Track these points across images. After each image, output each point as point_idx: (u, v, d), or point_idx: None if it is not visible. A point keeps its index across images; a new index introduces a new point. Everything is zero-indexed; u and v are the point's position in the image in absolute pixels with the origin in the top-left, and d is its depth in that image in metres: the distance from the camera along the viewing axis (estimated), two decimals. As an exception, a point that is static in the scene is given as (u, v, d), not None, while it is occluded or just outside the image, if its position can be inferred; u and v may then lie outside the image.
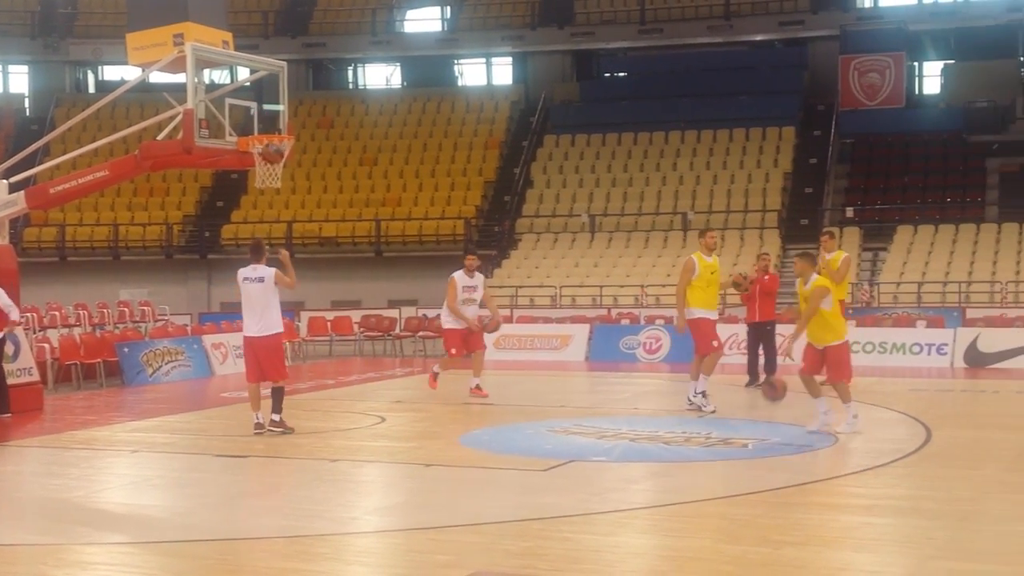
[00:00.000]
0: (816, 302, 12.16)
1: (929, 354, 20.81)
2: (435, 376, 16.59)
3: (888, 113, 35.92)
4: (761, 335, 17.60)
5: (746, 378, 17.68)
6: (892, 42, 36.28)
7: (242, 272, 13.27)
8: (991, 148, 34.41)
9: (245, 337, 13.27)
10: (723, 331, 21.31)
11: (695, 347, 14.80)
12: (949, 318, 23.29)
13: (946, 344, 21.08)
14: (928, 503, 9.17)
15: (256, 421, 13.07)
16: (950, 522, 8.62)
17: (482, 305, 16.67)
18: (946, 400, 16.54)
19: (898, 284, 28.53)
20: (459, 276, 16.34)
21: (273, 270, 13.23)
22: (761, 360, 17.62)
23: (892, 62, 36.20)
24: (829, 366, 12.33)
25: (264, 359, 13.05)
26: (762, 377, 17.03)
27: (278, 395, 13.14)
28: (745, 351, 18.27)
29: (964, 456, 10.95)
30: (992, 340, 20.91)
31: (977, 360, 20.63)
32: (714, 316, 14.96)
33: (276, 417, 13.01)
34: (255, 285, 13.14)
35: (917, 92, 39.87)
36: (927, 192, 33.75)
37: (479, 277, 16.62)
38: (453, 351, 16.35)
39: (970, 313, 24.61)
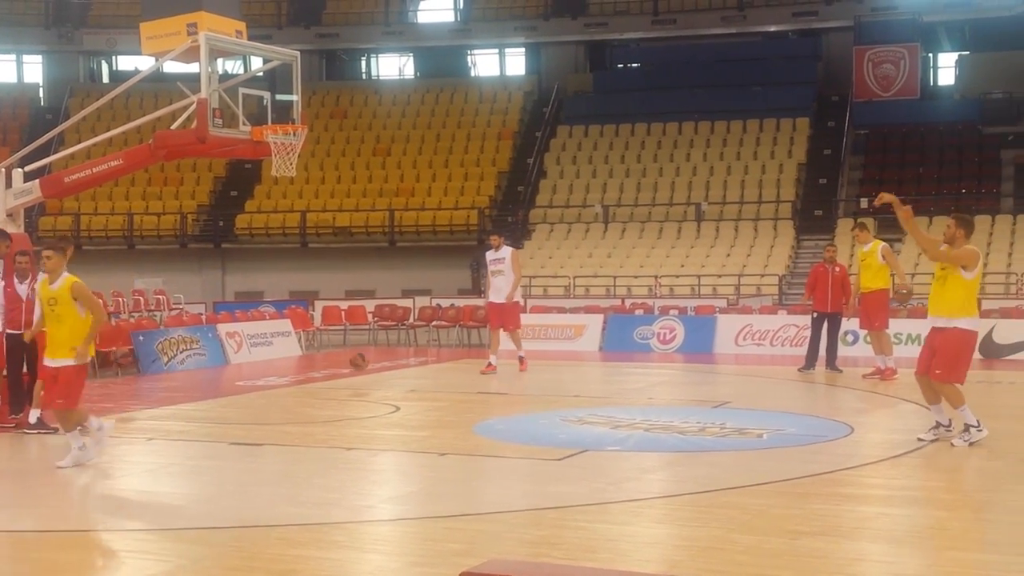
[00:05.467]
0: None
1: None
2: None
3: (903, 104, 35.81)
4: (829, 324, 17.96)
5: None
6: (906, 33, 36.19)
7: None
8: (1006, 139, 34.30)
9: None
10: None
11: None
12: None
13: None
14: (944, 494, 9.15)
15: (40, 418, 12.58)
16: (965, 513, 8.61)
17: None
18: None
19: (913, 275, 28.39)
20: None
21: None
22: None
23: (907, 53, 36.08)
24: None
25: None
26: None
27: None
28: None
29: (979, 447, 10.91)
30: (1007, 331, 20.84)
31: (992, 351, 20.56)
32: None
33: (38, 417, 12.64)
34: None
35: (932, 83, 39.74)
36: (942, 183, 33.64)
37: (504, 250, 18.50)
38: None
39: (985, 304, 24.38)
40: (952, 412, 11.21)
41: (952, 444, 10.96)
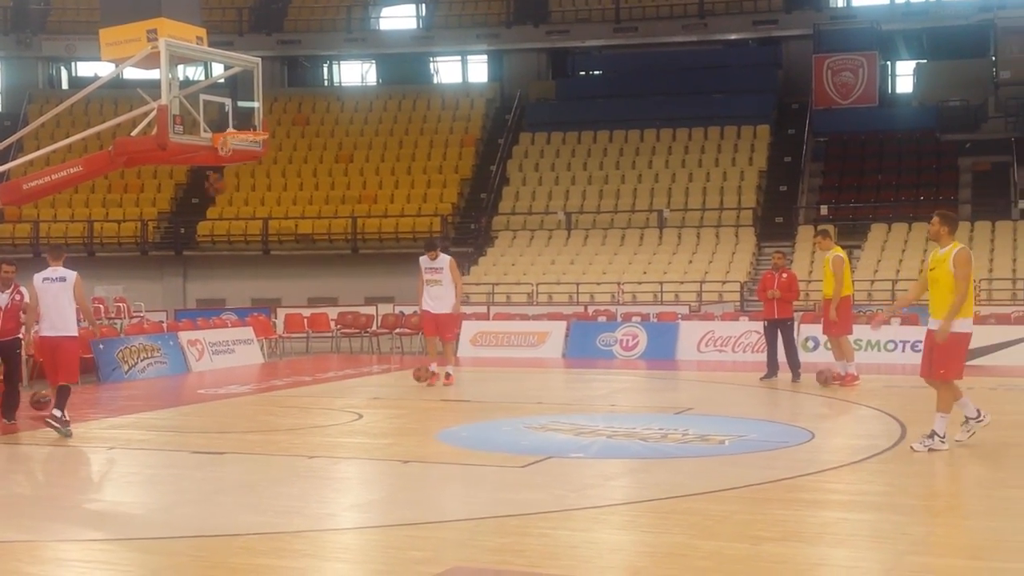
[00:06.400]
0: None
1: (904, 351, 20.83)
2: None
3: (861, 112, 36.15)
4: (781, 331, 17.92)
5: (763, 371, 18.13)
6: (865, 41, 36.52)
7: (40, 275, 13.33)
8: (963, 147, 34.66)
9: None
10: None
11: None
12: (924, 315, 23.34)
13: (920, 341, 21.09)
14: (904, 499, 9.22)
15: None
16: (925, 518, 8.68)
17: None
18: (920, 397, 16.51)
19: (872, 282, 28.68)
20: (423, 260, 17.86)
21: (75, 273, 13.32)
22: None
23: (865, 61, 36.41)
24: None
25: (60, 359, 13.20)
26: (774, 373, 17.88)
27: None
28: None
29: (938, 452, 11.00)
30: (966, 337, 20.98)
31: (950, 357, 20.70)
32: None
33: (59, 413, 12.93)
34: (57, 284, 13.19)
35: (890, 91, 40.14)
36: (900, 190, 33.96)
37: (442, 259, 17.80)
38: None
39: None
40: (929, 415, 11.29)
41: (912, 448, 11.05)
